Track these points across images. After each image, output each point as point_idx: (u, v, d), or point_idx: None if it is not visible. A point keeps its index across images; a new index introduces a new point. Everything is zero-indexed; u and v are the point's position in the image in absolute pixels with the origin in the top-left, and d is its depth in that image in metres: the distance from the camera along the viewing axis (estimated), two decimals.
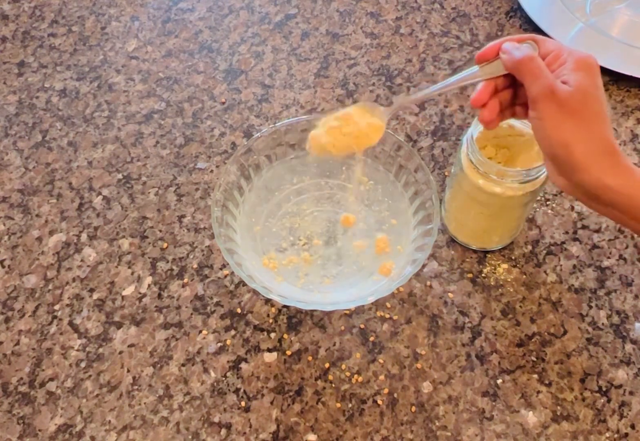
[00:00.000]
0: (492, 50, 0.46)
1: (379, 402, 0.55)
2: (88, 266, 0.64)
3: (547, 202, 0.66)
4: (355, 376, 0.57)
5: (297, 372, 0.57)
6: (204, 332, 0.59)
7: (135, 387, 0.57)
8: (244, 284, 0.61)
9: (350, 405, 0.55)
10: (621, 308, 0.59)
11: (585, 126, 0.42)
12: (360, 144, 0.51)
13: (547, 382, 0.56)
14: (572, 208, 0.65)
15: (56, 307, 0.61)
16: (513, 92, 0.47)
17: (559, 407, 0.55)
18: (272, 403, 0.56)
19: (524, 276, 0.61)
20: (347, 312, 0.60)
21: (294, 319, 0.60)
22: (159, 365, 0.58)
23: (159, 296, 0.61)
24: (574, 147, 0.42)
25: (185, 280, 0.62)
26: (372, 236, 0.59)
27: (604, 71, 0.73)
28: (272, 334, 0.59)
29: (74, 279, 0.63)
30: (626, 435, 0.54)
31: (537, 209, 0.65)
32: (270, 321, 0.60)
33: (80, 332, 0.60)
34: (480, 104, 0.47)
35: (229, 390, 0.56)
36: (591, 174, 0.42)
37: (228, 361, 0.58)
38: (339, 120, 0.50)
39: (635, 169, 0.42)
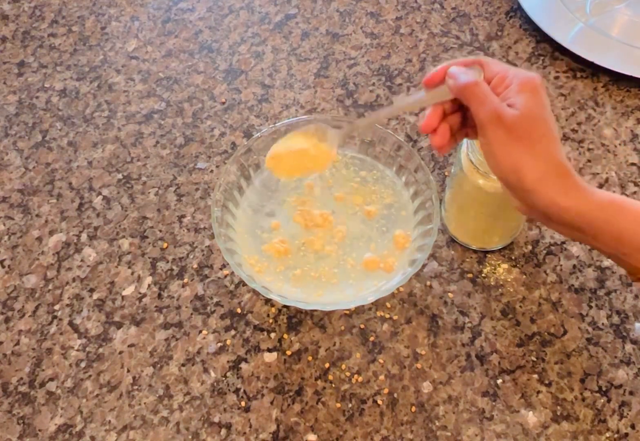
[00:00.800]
0: (438, 75, 0.46)
1: (379, 402, 0.55)
2: (88, 266, 0.64)
3: None
4: (355, 376, 0.57)
5: (297, 372, 0.57)
6: (204, 332, 0.59)
7: (135, 387, 0.57)
8: (244, 284, 0.61)
9: (350, 405, 0.56)
10: (621, 308, 0.59)
11: (533, 148, 0.42)
12: (307, 171, 0.53)
13: (547, 382, 0.56)
14: None
15: (56, 307, 0.61)
16: (462, 115, 0.47)
17: (559, 407, 0.55)
18: (272, 403, 0.56)
19: (524, 276, 0.61)
20: (347, 312, 0.60)
21: (294, 319, 0.60)
22: (159, 365, 0.58)
23: (159, 296, 0.61)
24: (524, 171, 0.42)
25: (185, 280, 0.62)
26: (372, 236, 0.59)
27: (604, 71, 0.73)
28: (272, 334, 0.59)
29: (74, 279, 0.63)
30: (626, 435, 0.54)
31: None
32: (270, 321, 0.60)
33: (80, 332, 0.60)
34: (430, 129, 0.46)
35: (229, 390, 0.56)
36: (543, 197, 0.42)
37: (228, 361, 0.58)
38: (285, 150, 0.52)
39: (587, 188, 0.42)
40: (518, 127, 0.42)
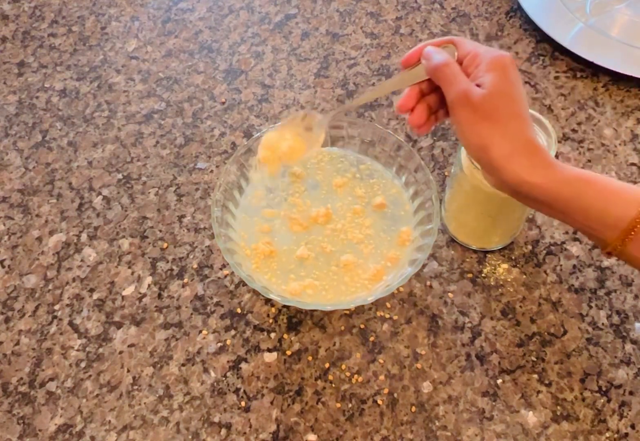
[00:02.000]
0: (415, 55, 0.47)
1: (379, 402, 0.55)
2: (88, 266, 0.64)
3: None
4: (355, 376, 0.57)
5: (297, 372, 0.57)
6: (204, 332, 0.59)
7: (135, 387, 0.57)
8: (244, 284, 0.61)
9: (350, 405, 0.56)
10: (621, 308, 0.59)
11: (500, 126, 0.42)
12: (289, 160, 0.53)
13: (547, 382, 0.56)
14: None
15: (56, 307, 0.61)
16: (441, 95, 0.47)
17: (559, 407, 0.55)
18: (272, 403, 0.56)
19: (524, 276, 0.61)
20: (347, 312, 0.60)
21: (294, 319, 0.60)
22: (159, 365, 0.58)
23: (159, 296, 0.61)
24: (491, 149, 0.42)
25: (185, 280, 0.62)
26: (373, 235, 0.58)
27: (604, 71, 0.73)
28: (272, 334, 0.59)
29: (74, 279, 0.63)
30: (626, 435, 0.54)
31: None
32: (270, 321, 0.60)
33: (80, 332, 0.60)
34: (405, 109, 0.47)
35: (229, 390, 0.56)
36: (511, 173, 0.42)
37: (228, 361, 0.58)
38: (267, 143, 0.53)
39: (556, 165, 0.43)
40: (485, 106, 0.42)
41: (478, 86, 0.43)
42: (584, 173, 0.43)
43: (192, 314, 0.60)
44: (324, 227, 0.58)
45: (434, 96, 0.47)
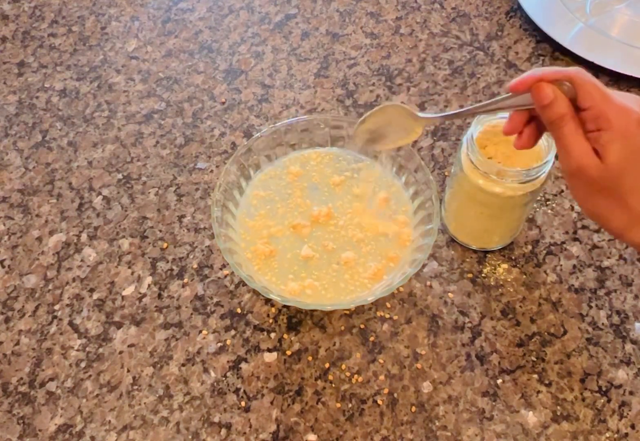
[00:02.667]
0: (525, 84, 0.42)
1: (379, 402, 0.55)
2: (88, 266, 0.64)
3: (547, 202, 0.66)
4: (355, 376, 0.57)
5: (297, 372, 0.57)
6: (204, 332, 0.59)
7: (135, 387, 0.57)
8: (244, 284, 0.61)
9: (350, 405, 0.56)
10: (621, 308, 0.59)
11: (619, 200, 0.41)
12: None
13: (547, 382, 0.56)
14: (572, 208, 0.65)
15: (56, 307, 0.61)
16: None
17: (559, 407, 0.55)
18: (272, 403, 0.56)
19: (524, 276, 0.61)
20: (347, 312, 0.60)
21: (294, 319, 0.60)
22: (159, 365, 0.58)
23: (159, 296, 0.61)
24: (609, 220, 0.42)
25: (185, 280, 0.62)
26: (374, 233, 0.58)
27: (604, 71, 0.73)
28: (272, 334, 0.59)
29: (74, 279, 0.63)
30: (626, 435, 0.54)
31: (537, 209, 0.65)
32: (270, 321, 0.60)
33: (80, 332, 0.60)
34: (513, 133, 0.45)
35: (229, 390, 0.56)
36: (630, 241, 0.42)
37: (228, 361, 0.58)
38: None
39: None
40: (603, 182, 0.40)
41: (595, 149, 0.40)
42: None
43: (192, 314, 0.60)
44: (326, 225, 0.58)
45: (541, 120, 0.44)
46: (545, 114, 0.42)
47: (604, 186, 0.40)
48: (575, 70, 0.41)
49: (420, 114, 0.48)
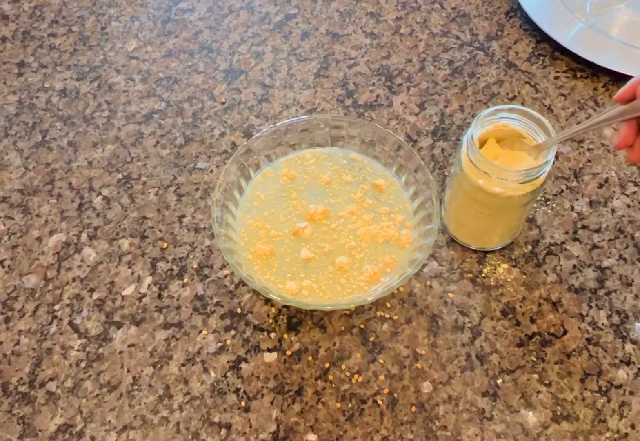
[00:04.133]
0: (628, 92, 0.43)
1: (379, 402, 0.55)
2: (88, 266, 0.64)
3: (547, 202, 0.66)
4: (355, 376, 0.57)
5: (297, 372, 0.57)
6: (204, 332, 0.59)
7: (135, 387, 0.57)
8: (244, 284, 0.61)
9: (350, 405, 0.56)
10: (621, 308, 0.59)
11: None
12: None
13: (547, 382, 0.56)
14: (572, 208, 0.65)
15: (56, 307, 0.61)
16: None
17: (559, 407, 0.55)
18: (272, 403, 0.56)
19: (524, 276, 0.61)
20: (347, 312, 0.60)
21: (294, 319, 0.60)
22: (159, 365, 0.58)
23: (159, 296, 0.61)
24: None
25: (185, 280, 0.62)
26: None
27: (604, 71, 0.73)
28: (272, 334, 0.59)
29: (74, 279, 0.63)
30: (626, 435, 0.54)
31: (537, 209, 0.65)
32: (270, 321, 0.60)
33: (80, 332, 0.60)
34: (625, 146, 0.45)
35: (229, 390, 0.56)
36: None
37: (228, 361, 0.58)
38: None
39: None
40: None
41: None
42: None
43: (192, 314, 0.60)
44: (322, 225, 0.58)
45: None
46: None
47: None
48: None
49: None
